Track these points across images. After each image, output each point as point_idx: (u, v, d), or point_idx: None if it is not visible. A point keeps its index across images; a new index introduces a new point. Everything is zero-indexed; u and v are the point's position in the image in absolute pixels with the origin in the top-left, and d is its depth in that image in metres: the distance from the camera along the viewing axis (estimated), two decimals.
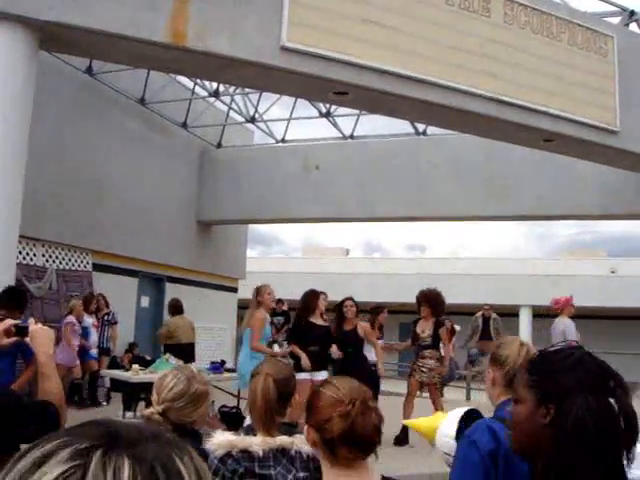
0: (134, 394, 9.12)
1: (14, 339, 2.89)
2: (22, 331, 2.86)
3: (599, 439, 1.58)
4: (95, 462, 0.73)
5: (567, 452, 1.59)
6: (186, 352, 10.21)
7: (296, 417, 7.80)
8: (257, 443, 2.68)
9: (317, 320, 8.81)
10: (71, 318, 11.31)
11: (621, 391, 1.66)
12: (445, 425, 3.00)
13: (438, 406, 9.40)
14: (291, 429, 2.84)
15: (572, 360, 1.69)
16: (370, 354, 9.38)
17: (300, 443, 2.71)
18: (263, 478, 2.65)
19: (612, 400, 1.63)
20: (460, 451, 2.52)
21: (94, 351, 11.96)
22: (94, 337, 11.92)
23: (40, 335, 2.75)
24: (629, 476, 1.66)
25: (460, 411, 2.98)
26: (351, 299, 9.28)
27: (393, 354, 18.19)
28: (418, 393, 9.84)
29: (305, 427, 2.17)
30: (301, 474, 2.70)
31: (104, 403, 11.77)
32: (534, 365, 1.78)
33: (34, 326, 2.79)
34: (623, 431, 1.61)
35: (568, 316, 10.34)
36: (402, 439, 9.26)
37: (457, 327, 16.52)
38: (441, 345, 9.77)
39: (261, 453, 2.66)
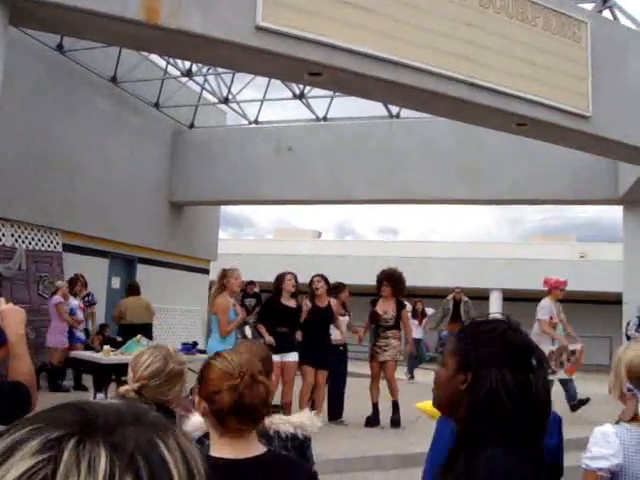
0: (105, 376, 9.07)
1: None
2: None
3: (511, 413, 1.62)
4: (67, 454, 0.66)
5: (479, 420, 1.65)
6: (140, 333, 10.19)
7: (288, 397, 7.83)
8: None
9: (287, 302, 8.81)
10: (59, 298, 11.25)
11: (540, 369, 1.71)
12: None
13: (393, 384, 9.45)
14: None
15: (495, 333, 1.73)
16: (335, 333, 9.38)
17: (278, 423, 2.72)
18: None
19: (531, 376, 1.67)
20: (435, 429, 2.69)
21: (81, 333, 11.85)
22: (81, 318, 11.80)
23: (11, 315, 2.71)
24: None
25: None
26: (320, 275, 9.25)
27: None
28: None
29: (196, 398, 2.25)
30: None
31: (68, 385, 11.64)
32: (462, 333, 1.82)
33: (5, 306, 2.74)
34: (537, 408, 1.67)
35: (554, 299, 10.39)
36: (373, 420, 9.33)
37: (429, 310, 16.64)
38: (401, 326, 9.78)
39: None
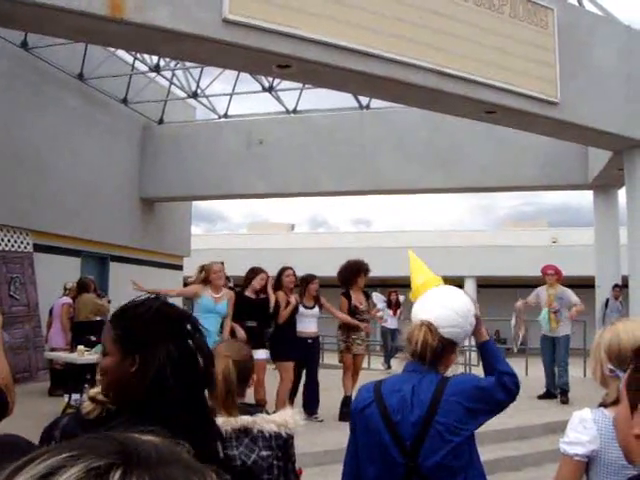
0: (79, 376, 8.94)
1: None
2: None
3: (181, 384, 1.73)
4: None
5: (155, 398, 1.72)
6: (89, 330, 10.03)
7: (261, 396, 7.77)
8: (219, 424, 2.65)
9: (252, 295, 8.79)
10: (67, 299, 11.10)
11: (197, 333, 1.82)
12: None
13: (358, 373, 9.42)
14: (252, 409, 2.83)
15: (151, 312, 1.80)
16: (309, 325, 9.26)
17: (262, 423, 2.71)
18: (226, 458, 2.63)
19: (190, 342, 1.79)
20: None
21: None
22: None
23: None
24: None
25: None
26: (290, 268, 9.21)
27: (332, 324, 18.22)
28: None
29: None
30: (264, 453, 2.69)
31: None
32: (117, 320, 1.87)
33: None
34: (202, 370, 1.79)
35: (547, 285, 10.93)
36: (345, 414, 9.24)
37: (376, 297, 16.64)
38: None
39: (223, 433, 2.64)
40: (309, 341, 9.26)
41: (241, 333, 8.41)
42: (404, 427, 2.71)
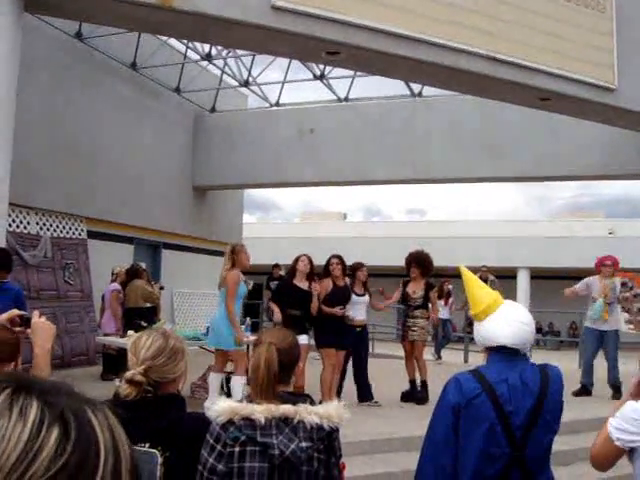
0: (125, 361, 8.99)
1: (18, 329, 3.03)
2: (27, 322, 3.01)
3: None
4: (2, 398, 0.72)
5: None
6: (138, 317, 10.13)
7: (300, 382, 7.78)
8: (259, 411, 2.63)
9: (300, 283, 8.75)
10: (116, 285, 11.27)
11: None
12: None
13: (421, 363, 9.69)
14: (296, 398, 2.78)
15: None
16: (357, 313, 9.30)
17: (304, 413, 2.66)
18: (264, 446, 2.61)
19: None
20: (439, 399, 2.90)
21: None
22: None
23: (41, 329, 2.89)
24: None
25: None
26: (337, 257, 9.20)
27: (389, 316, 18.21)
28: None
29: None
30: (304, 444, 2.63)
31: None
32: None
33: (36, 319, 2.93)
34: None
35: (602, 277, 10.62)
36: (409, 395, 9.60)
37: (450, 287, 16.48)
38: (429, 306, 10.06)
39: (263, 421, 2.61)
40: (357, 329, 9.30)
41: (277, 315, 8.49)
42: (516, 417, 2.71)
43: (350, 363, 9.39)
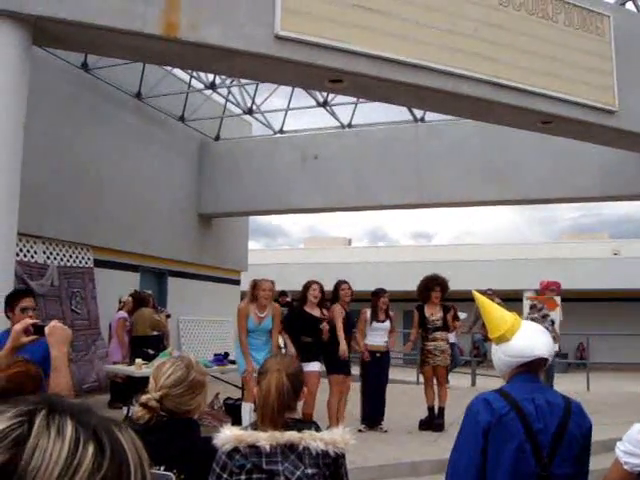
0: (137, 389, 9.05)
1: (32, 337, 3.19)
2: (40, 330, 3.15)
3: None
4: (39, 420, 0.76)
5: None
6: (145, 345, 10.18)
7: (310, 409, 7.80)
8: (264, 438, 2.62)
9: (311, 310, 8.78)
10: (123, 313, 11.32)
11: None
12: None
13: (443, 390, 9.62)
14: (301, 425, 2.78)
15: None
16: (379, 340, 9.40)
17: (309, 439, 2.65)
18: (270, 474, 2.60)
19: None
20: (464, 420, 2.82)
21: None
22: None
23: (57, 332, 3.02)
24: None
25: None
26: (346, 282, 9.26)
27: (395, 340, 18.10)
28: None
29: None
30: (309, 470, 2.63)
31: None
32: None
33: (53, 322, 3.08)
34: None
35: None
36: (427, 423, 9.49)
37: (461, 315, 16.47)
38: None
39: (268, 448, 2.60)
40: (377, 355, 9.35)
41: (291, 348, 8.47)
42: (544, 435, 2.69)
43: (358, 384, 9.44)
